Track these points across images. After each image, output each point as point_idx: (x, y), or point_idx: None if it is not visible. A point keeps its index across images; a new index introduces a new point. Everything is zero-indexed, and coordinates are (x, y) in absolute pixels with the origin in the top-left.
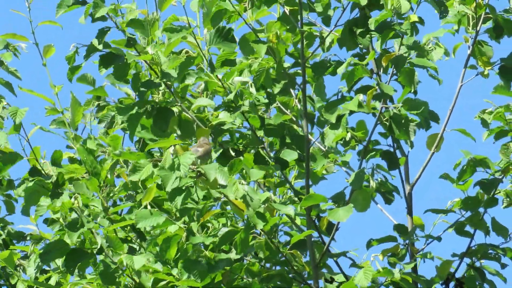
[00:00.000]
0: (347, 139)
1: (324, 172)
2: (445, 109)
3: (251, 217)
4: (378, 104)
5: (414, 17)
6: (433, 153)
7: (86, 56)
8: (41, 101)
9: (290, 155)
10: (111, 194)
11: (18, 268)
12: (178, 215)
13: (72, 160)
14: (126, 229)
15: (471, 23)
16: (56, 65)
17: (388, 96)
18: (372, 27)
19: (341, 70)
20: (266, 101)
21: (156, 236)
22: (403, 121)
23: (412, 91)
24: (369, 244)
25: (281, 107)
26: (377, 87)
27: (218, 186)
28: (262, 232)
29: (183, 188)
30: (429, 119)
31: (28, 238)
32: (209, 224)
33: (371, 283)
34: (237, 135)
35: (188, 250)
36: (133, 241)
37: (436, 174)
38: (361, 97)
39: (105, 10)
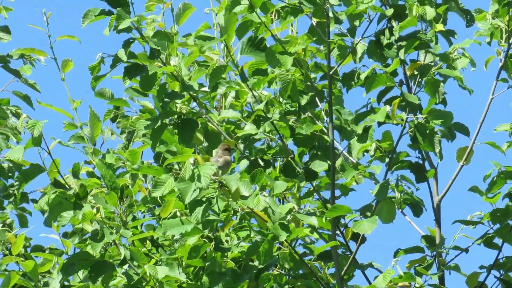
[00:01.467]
0: (372, 150)
1: (353, 183)
2: (476, 122)
3: (274, 229)
4: (404, 115)
5: (440, 26)
6: (462, 165)
7: (112, 66)
8: (58, 116)
9: (320, 166)
10: (132, 207)
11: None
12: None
13: (90, 175)
14: (145, 243)
15: (504, 37)
16: (74, 79)
17: (412, 105)
18: (396, 34)
19: (363, 76)
20: (294, 109)
21: (176, 249)
22: (427, 131)
23: (437, 102)
24: (396, 253)
25: (311, 116)
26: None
27: (239, 198)
28: (286, 243)
29: (203, 199)
30: (455, 130)
31: (47, 251)
32: (227, 238)
33: None
34: (264, 144)
35: (216, 258)
36: (153, 255)
37: (465, 187)
38: (388, 108)
39: (128, 22)
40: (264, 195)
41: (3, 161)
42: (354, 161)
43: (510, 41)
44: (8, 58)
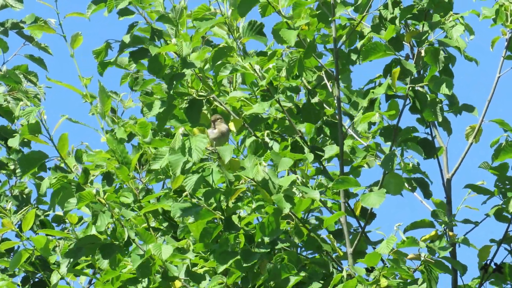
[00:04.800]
0: (376, 120)
1: (365, 166)
2: (484, 101)
3: (278, 201)
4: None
5: None
6: (472, 143)
7: (120, 52)
8: (67, 93)
9: (331, 150)
10: (146, 179)
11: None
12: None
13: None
14: (158, 218)
15: (509, 18)
16: (83, 57)
17: (410, 73)
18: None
19: (359, 44)
20: (296, 84)
21: (186, 225)
22: (428, 100)
23: (439, 70)
24: (404, 230)
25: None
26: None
27: (239, 169)
28: (293, 216)
29: (199, 171)
30: (463, 110)
31: (67, 220)
32: (240, 211)
33: (405, 268)
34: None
35: (229, 239)
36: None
37: (476, 165)
38: (391, 81)
39: (127, 2)
40: (263, 166)
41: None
42: (359, 139)
43: None
44: (21, 24)
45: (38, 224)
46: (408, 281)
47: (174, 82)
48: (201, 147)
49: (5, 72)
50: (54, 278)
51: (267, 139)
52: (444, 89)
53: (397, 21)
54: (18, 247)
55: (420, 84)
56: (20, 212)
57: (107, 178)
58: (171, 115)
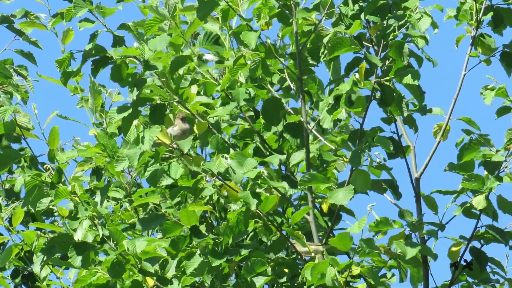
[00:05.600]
0: (343, 117)
1: (334, 171)
2: (450, 98)
3: (245, 198)
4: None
5: None
6: (439, 142)
7: (83, 62)
8: (54, 86)
9: (298, 156)
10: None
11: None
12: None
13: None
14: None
15: (474, 16)
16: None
17: (375, 66)
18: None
19: (325, 39)
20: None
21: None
22: (394, 95)
23: (404, 65)
24: (371, 228)
25: (277, 96)
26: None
27: (202, 164)
28: (261, 214)
29: (160, 167)
30: (428, 113)
31: (56, 213)
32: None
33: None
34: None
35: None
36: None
37: (445, 164)
38: (357, 76)
39: (85, 10)
40: (225, 157)
41: None
42: (322, 139)
43: (479, 17)
44: (12, 18)
45: (28, 218)
46: (375, 270)
47: (138, 88)
48: (153, 137)
49: None
50: (43, 272)
51: (226, 145)
52: (409, 80)
53: (362, 16)
54: (8, 241)
55: (386, 78)
56: (11, 207)
57: (96, 173)
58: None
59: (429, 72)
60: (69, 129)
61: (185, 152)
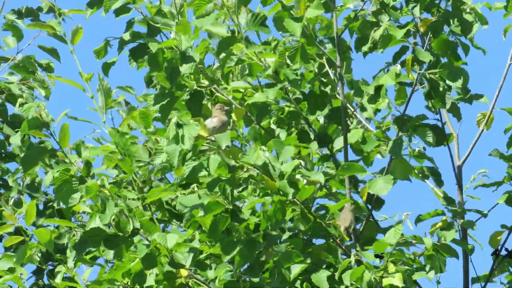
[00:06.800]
0: (385, 106)
1: (379, 156)
2: (495, 88)
3: (282, 187)
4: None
5: None
6: (483, 130)
7: (119, 49)
8: (66, 86)
9: (341, 141)
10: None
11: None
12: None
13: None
14: (162, 210)
15: None
16: (83, 52)
17: (423, 62)
18: None
19: (378, 33)
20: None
21: (192, 217)
22: (440, 88)
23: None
24: (418, 220)
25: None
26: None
27: (241, 156)
28: (298, 203)
29: (199, 160)
30: (467, 89)
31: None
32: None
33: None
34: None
35: (237, 229)
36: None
37: (487, 153)
38: (399, 68)
39: (121, 2)
40: (263, 150)
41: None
42: (366, 124)
43: None
44: (38, 12)
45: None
46: (414, 267)
47: (174, 76)
48: (194, 134)
49: (20, 61)
50: (58, 275)
51: (273, 127)
52: (459, 83)
53: (416, 10)
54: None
55: (432, 71)
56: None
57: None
58: (173, 107)
59: (475, 61)
60: (81, 129)
61: (223, 148)
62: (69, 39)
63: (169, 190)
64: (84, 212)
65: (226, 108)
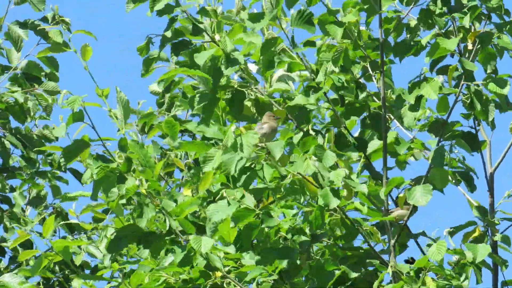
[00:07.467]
0: (425, 117)
1: (412, 158)
2: None
3: (324, 196)
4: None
5: None
6: None
7: (161, 46)
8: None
9: (375, 144)
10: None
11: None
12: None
13: None
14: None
15: None
16: (96, 65)
17: (470, 72)
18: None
19: (425, 40)
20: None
21: (216, 225)
22: (483, 98)
23: (488, 73)
24: (452, 233)
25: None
26: (458, 65)
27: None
28: (338, 209)
29: (251, 167)
30: (509, 103)
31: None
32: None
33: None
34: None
35: (266, 234)
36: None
37: None
38: (441, 78)
39: (164, 2)
40: (313, 159)
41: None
42: (405, 131)
43: None
44: (38, 23)
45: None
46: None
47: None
48: (252, 143)
49: (23, 68)
50: (75, 283)
51: (311, 132)
52: (502, 91)
53: (466, 19)
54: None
55: (477, 82)
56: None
57: None
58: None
59: (508, 65)
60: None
61: (277, 159)
62: (80, 56)
63: (195, 203)
64: (96, 228)
65: (277, 117)
